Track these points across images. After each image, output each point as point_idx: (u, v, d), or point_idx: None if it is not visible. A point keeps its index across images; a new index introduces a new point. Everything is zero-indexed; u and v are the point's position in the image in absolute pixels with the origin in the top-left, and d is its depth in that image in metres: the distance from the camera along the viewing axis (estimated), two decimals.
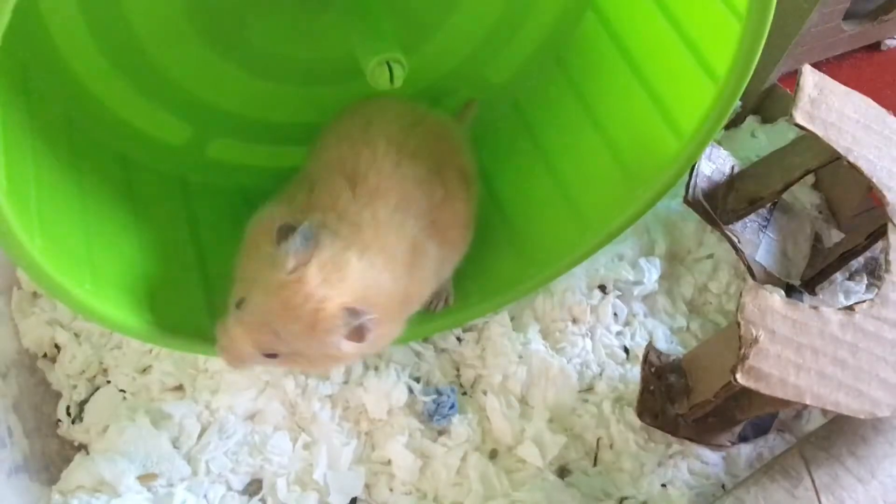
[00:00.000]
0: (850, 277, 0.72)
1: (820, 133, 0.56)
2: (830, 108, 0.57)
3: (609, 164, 0.63)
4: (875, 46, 0.79)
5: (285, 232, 0.48)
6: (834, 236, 0.72)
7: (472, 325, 0.66)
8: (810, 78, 0.59)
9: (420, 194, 0.55)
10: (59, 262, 0.47)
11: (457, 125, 0.64)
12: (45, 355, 0.67)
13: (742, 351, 0.48)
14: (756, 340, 0.48)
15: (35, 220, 0.46)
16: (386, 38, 0.51)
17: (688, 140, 0.57)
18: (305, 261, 0.48)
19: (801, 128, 0.56)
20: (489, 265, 0.66)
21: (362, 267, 0.50)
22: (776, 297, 0.51)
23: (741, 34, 0.48)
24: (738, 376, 0.48)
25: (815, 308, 0.51)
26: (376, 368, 0.63)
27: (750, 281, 0.51)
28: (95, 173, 0.57)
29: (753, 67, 0.50)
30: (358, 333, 0.48)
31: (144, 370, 0.65)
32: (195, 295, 0.58)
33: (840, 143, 0.56)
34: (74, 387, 0.65)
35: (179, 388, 0.64)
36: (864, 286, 0.72)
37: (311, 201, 0.53)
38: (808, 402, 0.48)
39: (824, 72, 0.75)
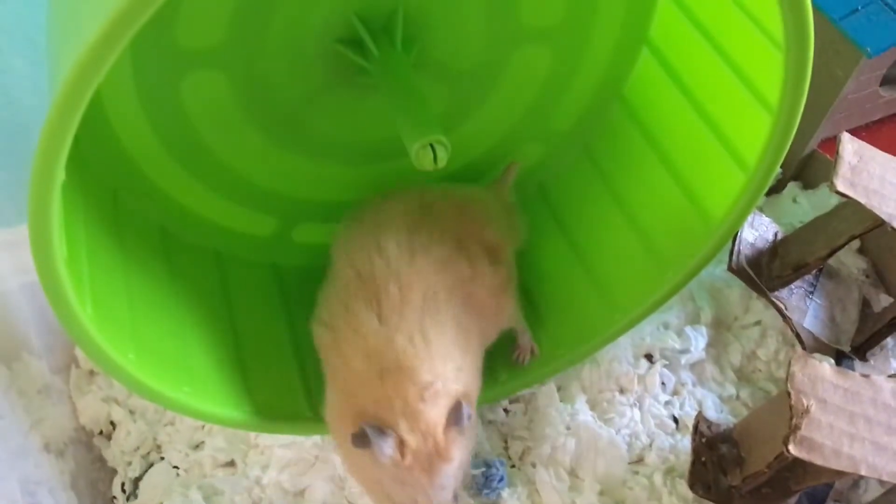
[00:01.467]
0: None
1: (862, 200, 0.56)
2: (871, 175, 0.58)
3: (682, 201, 0.63)
4: None
5: (361, 439, 0.48)
6: (882, 301, 0.72)
7: (519, 397, 0.67)
8: (849, 146, 0.59)
9: (445, 277, 0.55)
10: (154, 369, 0.51)
11: (482, 194, 0.65)
12: (101, 432, 0.69)
13: (794, 421, 0.48)
14: (807, 410, 0.48)
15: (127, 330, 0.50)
16: (427, 122, 0.52)
17: (717, 226, 0.58)
18: (392, 445, 0.48)
19: (843, 195, 0.57)
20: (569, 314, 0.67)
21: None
22: (826, 366, 0.50)
23: (771, 128, 0.49)
24: (791, 447, 0.47)
25: (867, 376, 0.50)
26: None
27: (799, 349, 0.51)
28: (187, 277, 0.60)
29: (782, 158, 0.51)
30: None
31: (197, 446, 0.66)
32: (291, 376, 0.61)
33: (883, 209, 0.57)
34: (129, 463, 0.66)
35: (231, 463, 0.65)
36: None
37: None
38: (863, 473, 0.47)
39: (863, 137, 0.76)
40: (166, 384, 0.51)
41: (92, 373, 0.71)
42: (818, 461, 0.47)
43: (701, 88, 0.60)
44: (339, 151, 0.65)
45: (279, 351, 0.62)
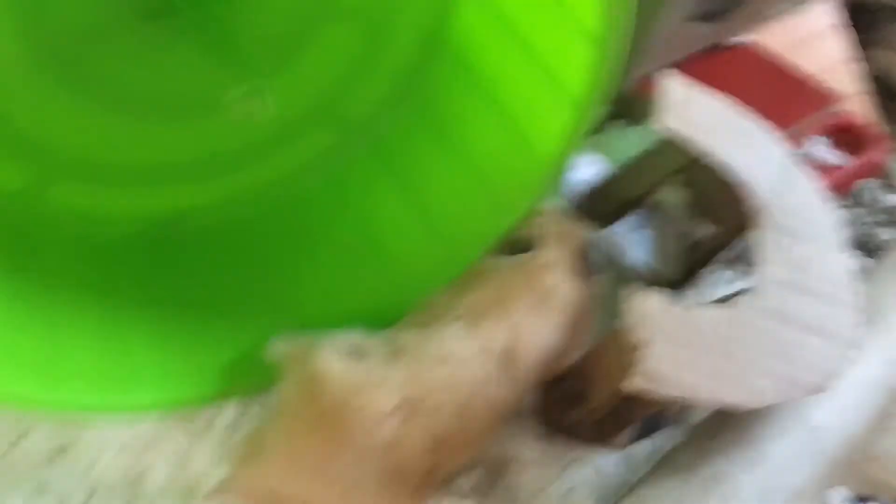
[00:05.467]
0: (724, 267, 0.76)
1: (681, 135, 0.58)
2: (691, 111, 0.60)
3: (476, 194, 0.63)
4: (722, 45, 0.82)
5: None
6: (705, 229, 0.75)
7: None
8: (668, 82, 0.61)
9: None
10: None
11: None
12: None
13: (634, 354, 0.49)
14: (644, 343, 0.49)
15: None
16: (247, 67, 0.49)
17: (549, 162, 0.58)
18: None
19: (665, 131, 0.58)
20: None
21: None
22: (661, 298, 0.52)
23: (594, 62, 0.49)
24: (633, 380, 0.49)
25: (698, 305, 0.53)
26: None
27: (634, 284, 0.52)
28: None
29: (607, 89, 0.51)
30: None
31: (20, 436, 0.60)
32: None
33: (701, 143, 0.59)
34: None
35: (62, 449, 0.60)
36: (736, 274, 0.75)
37: None
38: (701, 398, 0.50)
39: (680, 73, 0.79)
40: None
41: None
42: (658, 390, 0.49)
43: (525, 23, 0.59)
44: (137, 102, 0.58)
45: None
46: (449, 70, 0.67)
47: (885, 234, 0.88)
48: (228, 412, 0.62)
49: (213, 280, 0.66)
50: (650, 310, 0.51)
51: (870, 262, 0.84)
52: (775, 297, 0.54)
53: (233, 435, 0.61)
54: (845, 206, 0.92)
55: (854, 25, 1.05)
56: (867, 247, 0.88)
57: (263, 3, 0.57)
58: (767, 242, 0.57)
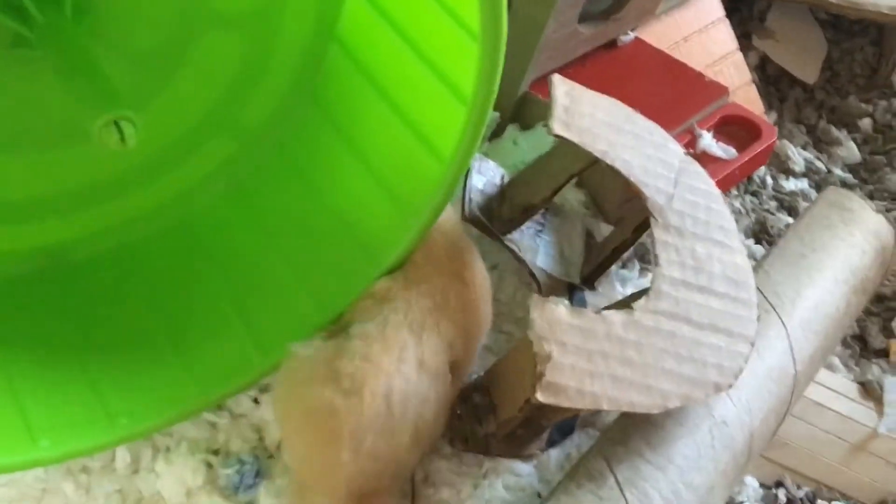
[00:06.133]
0: (624, 266, 0.76)
1: (576, 140, 0.58)
2: (583, 115, 0.59)
3: (379, 196, 0.62)
4: (612, 44, 0.83)
5: None
6: (604, 230, 0.76)
7: (268, 384, 0.63)
8: (560, 87, 0.60)
9: None
10: None
11: None
12: None
13: (538, 368, 0.49)
14: (549, 356, 0.49)
15: None
16: (110, 95, 0.46)
17: (448, 163, 0.57)
18: None
19: (559, 137, 0.58)
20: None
21: None
22: (562, 308, 0.51)
23: (480, 56, 0.48)
24: (538, 394, 0.48)
25: (599, 312, 0.52)
26: (168, 449, 0.58)
27: (534, 296, 0.51)
28: None
29: (496, 87, 0.51)
30: None
31: None
32: None
33: (596, 147, 0.58)
34: None
35: None
36: (636, 272, 0.76)
37: None
38: (605, 408, 0.49)
39: (569, 73, 0.78)
40: None
41: None
42: (564, 403, 0.48)
43: (412, 27, 0.58)
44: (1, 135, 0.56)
45: None
46: (343, 70, 0.65)
47: (782, 219, 0.91)
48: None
49: (115, 314, 0.63)
50: (550, 320, 0.50)
51: (769, 248, 0.86)
52: (672, 298, 0.54)
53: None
54: (743, 194, 0.94)
55: (736, 16, 1.08)
56: (767, 233, 0.90)
57: (130, 24, 0.54)
58: (663, 243, 0.57)
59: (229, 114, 0.65)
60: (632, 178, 0.58)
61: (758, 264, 0.68)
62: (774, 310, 0.63)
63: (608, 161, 0.58)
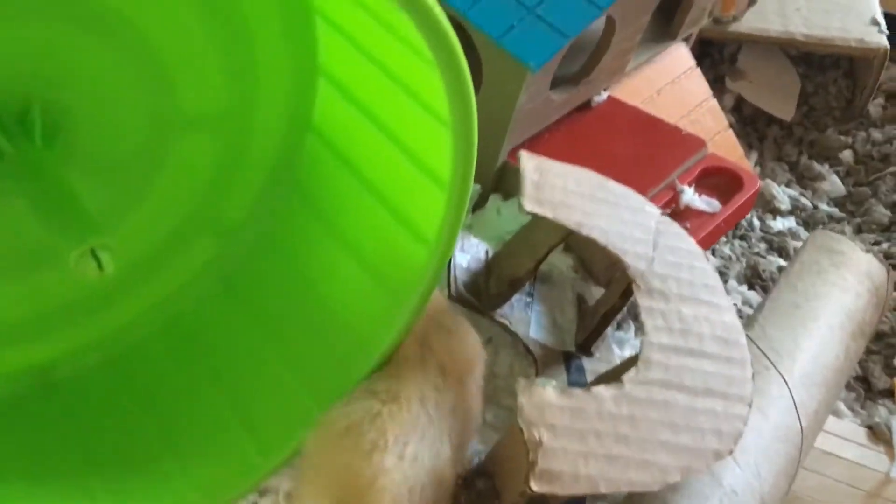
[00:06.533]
0: (619, 327, 0.75)
1: (550, 215, 0.58)
2: (554, 188, 0.59)
3: (368, 284, 0.62)
4: (586, 104, 0.83)
5: None
6: (595, 293, 0.75)
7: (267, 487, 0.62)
8: (529, 163, 0.60)
9: None
10: None
11: None
12: None
13: (530, 456, 0.48)
14: (540, 442, 0.48)
15: None
16: (84, 224, 0.46)
17: (433, 247, 0.57)
18: None
19: (533, 214, 0.58)
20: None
21: None
22: (550, 391, 0.51)
23: (453, 144, 0.49)
24: (532, 484, 0.47)
25: (588, 390, 0.51)
26: None
27: (521, 380, 0.51)
28: None
29: (473, 171, 0.51)
30: None
31: None
32: None
33: (571, 219, 0.58)
34: None
35: None
36: (633, 332, 0.75)
37: None
38: (603, 491, 0.48)
39: (545, 138, 0.79)
40: None
41: None
42: (559, 491, 0.47)
43: (386, 116, 0.58)
44: None
45: None
46: (323, 160, 0.66)
47: (773, 262, 0.90)
48: None
49: (110, 425, 0.63)
50: (539, 405, 0.49)
51: (764, 294, 0.85)
52: (663, 366, 0.54)
53: None
54: (731, 239, 0.94)
55: (707, 61, 1.09)
56: (759, 277, 0.89)
57: (102, 137, 0.55)
58: (648, 309, 0.56)
59: (211, 212, 0.65)
60: (610, 247, 0.58)
61: (752, 318, 0.67)
62: (774, 366, 0.62)
63: (584, 232, 0.58)
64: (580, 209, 0.59)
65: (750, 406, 0.54)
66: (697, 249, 0.61)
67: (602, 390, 0.52)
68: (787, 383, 0.61)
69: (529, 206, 0.58)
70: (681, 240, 0.61)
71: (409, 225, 0.59)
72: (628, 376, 0.53)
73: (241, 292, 0.69)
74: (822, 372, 0.63)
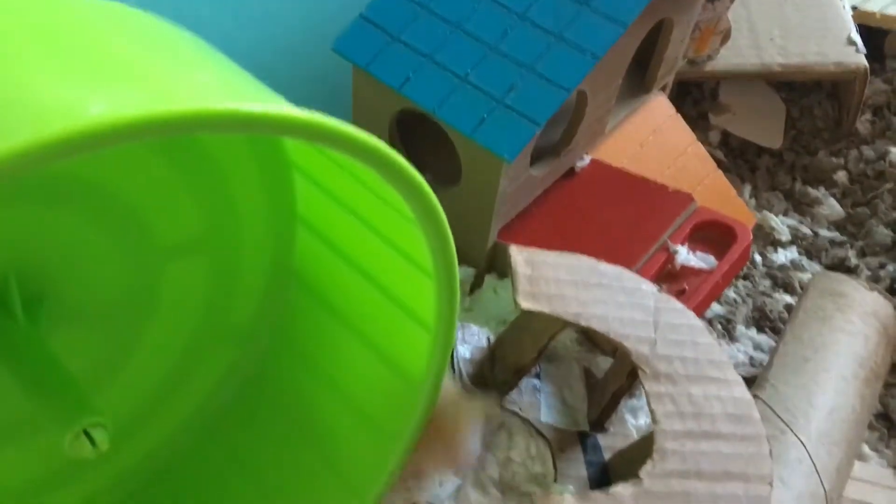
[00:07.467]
0: (631, 395, 0.74)
1: (546, 310, 0.57)
2: (547, 280, 0.59)
3: (360, 427, 0.61)
4: (570, 171, 0.83)
5: None
6: (602, 363, 0.74)
7: None
8: (519, 257, 0.60)
9: None
10: None
11: None
12: None
13: None
14: None
15: None
16: (75, 404, 0.45)
17: (419, 387, 0.56)
18: None
19: (529, 310, 0.57)
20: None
21: None
22: (567, 498, 0.50)
23: (435, 291, 0.49)
24: None
25: (606, 492, 0.51)
26: None
27: (537, 490, 0.50)
28: None
29: (456, 315, 0.51)
30: None
31: None
32: None
33: (568, 311, 0.58)
34: None
35: None
36: (644, 399, 0.74)
37: None
38: None
39: (532, 212, 0.79)
40: None
41: None
42: None
43: (361, 255, 0.58)
44: None
45: None
46: (307, 307, 0.65)
47: (779, 300, 0.89)
48: None
49: None
50: None
51: (775, 336, 0.84)
52: (679, 454, 0.53)
53: None
54: (735, 281, 0.93)
55: (688, 100, 1.08)
56: (768, 318, 0.88)
57: (88, 289, 0.55)
58: (656, 395, 0.55)
59: (219, 320, 0.65)
60: (611, 335, 0.58)
61: (762, 378, 0.66)
62: (790, 428, 0.61)
63: (583, 323, 0.58)
64: (576, 299, 0.58)
65: (771, 485, 0.53)
66: (699, 323, 0.60)
67: (621, 490, 0.51)
68: (804, 445, 0.60)
69: (525, 303, 0.57)
70: (681, 316, 0.60)
71: (395, 366, 0.59)
72: (645, 470, 0.52)
73: (267, 397, 0.68)
74: (839, 428, 0.62)
